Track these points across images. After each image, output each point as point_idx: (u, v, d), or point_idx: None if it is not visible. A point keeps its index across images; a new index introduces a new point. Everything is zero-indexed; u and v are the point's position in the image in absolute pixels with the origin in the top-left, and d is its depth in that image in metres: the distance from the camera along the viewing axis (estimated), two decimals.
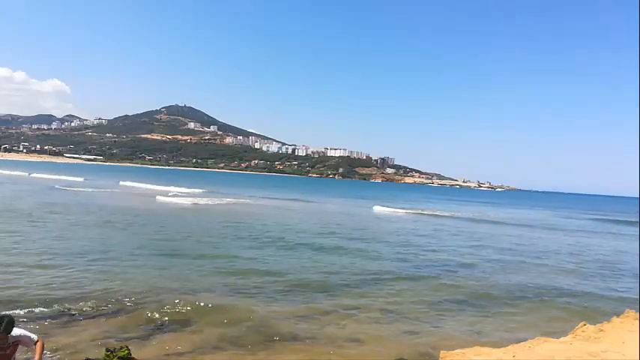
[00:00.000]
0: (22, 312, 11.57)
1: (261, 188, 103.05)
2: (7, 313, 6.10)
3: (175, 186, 75.09)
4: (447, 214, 60.19)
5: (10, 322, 5.49)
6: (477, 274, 21.08)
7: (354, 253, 24.35)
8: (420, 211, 60.61)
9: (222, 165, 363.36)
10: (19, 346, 5.71)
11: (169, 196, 55.50)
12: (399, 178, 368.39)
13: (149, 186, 75.05)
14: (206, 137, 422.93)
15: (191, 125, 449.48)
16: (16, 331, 5.62)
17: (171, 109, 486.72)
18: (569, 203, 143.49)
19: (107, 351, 8.70)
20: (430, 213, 59.46)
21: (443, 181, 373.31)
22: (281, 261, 20.84)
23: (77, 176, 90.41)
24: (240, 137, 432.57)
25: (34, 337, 5.73)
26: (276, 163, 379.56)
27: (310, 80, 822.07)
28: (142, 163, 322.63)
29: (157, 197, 51.63)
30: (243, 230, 30.09)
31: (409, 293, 16.62)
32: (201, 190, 71.75)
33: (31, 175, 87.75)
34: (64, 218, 29.69)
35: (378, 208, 61.26)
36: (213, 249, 22.65)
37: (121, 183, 79.48)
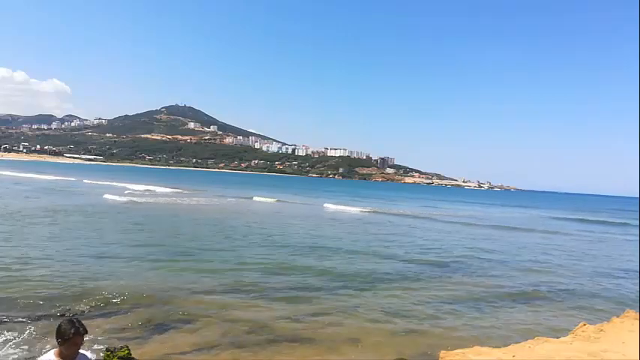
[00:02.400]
0: (22, 311, 11.57)
1: (243, 187, 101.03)
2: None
3: (146, 184, 75.68)
4: (411, 213, 58.51)
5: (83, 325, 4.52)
6: (475, 274, 21.08)
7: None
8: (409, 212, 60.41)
9: (222, 165, 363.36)
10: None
11: (124, 194, 54.16)
12: (399, 178, 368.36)
13: (113, 183, 75.56)
14: (206, 137, 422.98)
15: (191, 125, 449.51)
16: (89, 355, 4.73)
17: (171, 109, 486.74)
18: (562, 203, 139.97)
19: (107, 351, 8.71)
20: (399, 212, 58.21)
21: (443, 181, 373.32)
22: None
23: (64, 176, 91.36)
24: (240, 137, 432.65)
25: None
26: (276, 163, 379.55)
27: (310, 80, 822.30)
28: (142, 163, 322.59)
29: (105, 195, 50.07)
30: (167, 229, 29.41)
31: (408, 293, 16.61)
32: (168, 190, 70.12)
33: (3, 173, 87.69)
34: None
35: (330, 206, 60.46)
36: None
37: (85, 181, 79.38)
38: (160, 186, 74.87)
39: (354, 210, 58.09)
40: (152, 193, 63.13)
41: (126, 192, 58.50)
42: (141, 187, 69.33)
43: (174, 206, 45.80)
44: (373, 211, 57.48)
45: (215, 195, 67.30)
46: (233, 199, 61.87)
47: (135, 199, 49.65)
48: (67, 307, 12.14)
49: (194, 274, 16.88)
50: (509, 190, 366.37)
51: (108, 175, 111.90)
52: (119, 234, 25.24)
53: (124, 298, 13.32)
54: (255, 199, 65.02)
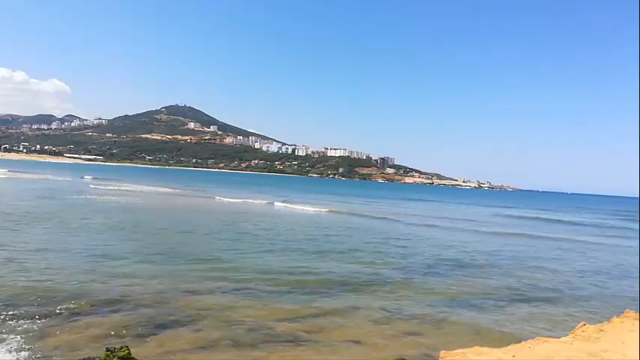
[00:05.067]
0: (22, 311, 11.57)
1: (220, 187, 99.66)
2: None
3: (115, 182, 79.19)
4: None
5: None
6: (475, 275, 21.10)
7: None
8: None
9: (222, 165, 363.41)
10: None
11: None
12: (399, 178, 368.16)
13: (77, 180, 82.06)
14: (206, 137, 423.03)
15: (191, 125, 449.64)
16: None
17: (171, 109, 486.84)
18: (551, 204, 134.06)
19: (107, 351, 8.71)
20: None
21: (443, 181, 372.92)
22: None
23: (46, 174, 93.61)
24: (240, 137, 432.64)
25: None
26: (276, 163, 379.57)
27: (310, 80, 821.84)
28: (142, 163, 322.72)
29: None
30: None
31: (409, 293, 16.63)
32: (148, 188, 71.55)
33: None
34: None
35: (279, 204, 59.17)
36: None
37: (50, 178, 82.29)
38: (131, 184, 77.51)
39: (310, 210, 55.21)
40: (101, 190, 62.81)
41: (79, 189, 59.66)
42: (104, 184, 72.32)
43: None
44: (329, 211, 54.76)
45: (180, 194, 67.66)
46: (189, 198, 60.69)
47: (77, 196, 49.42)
48: (68, 307, 12.15)
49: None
50: (508, 190, 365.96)
51: (94, 174, 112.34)
52: None
53: (124, 298, 13.33)
54: (217, 198, 62.35)
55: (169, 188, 76.96)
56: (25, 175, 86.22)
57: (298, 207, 57.07)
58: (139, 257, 19.33)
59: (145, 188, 71.28)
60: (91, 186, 68.94)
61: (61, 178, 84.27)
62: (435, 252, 26.86)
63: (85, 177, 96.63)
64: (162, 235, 26.40)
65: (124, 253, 19.84)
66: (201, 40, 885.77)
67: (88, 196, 49.88)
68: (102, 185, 72.39)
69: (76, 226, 27.13)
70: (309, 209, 55.61)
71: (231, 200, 61.14)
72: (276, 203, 60.33)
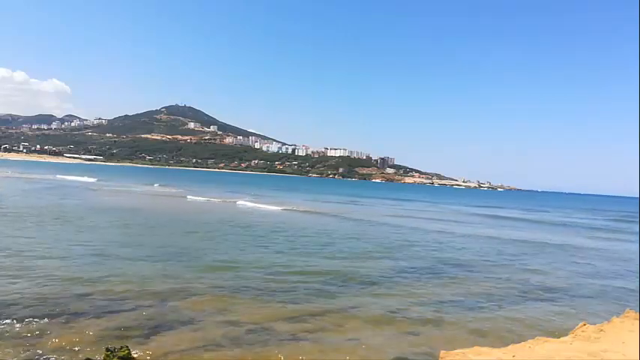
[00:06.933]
0: (22, 311, 11.57)
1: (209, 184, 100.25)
2: None
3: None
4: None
5: None
6: (474, 275, 21.10)
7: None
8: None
9: (222, 165, 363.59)
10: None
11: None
12: (399, 178, 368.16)
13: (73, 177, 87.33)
14: (206, 137, 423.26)
15: (191, 125, 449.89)
16: None
17: (171, 109, 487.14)
18: (551, 204, 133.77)
19: (107, 351, 8.71)
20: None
21: (443, 181, 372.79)
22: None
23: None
24: (240, 137, 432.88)
25: None
26: (276, 163, 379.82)
27: (310, 80, 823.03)
28: (142, 163, 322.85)
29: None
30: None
31: (409, 293, 16.62)
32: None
33: None
34: None
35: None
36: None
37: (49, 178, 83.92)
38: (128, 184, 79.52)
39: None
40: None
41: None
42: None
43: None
44: (292, 210, 52.51)
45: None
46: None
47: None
48: (68, 307, 12.15)
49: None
50: (508, 190, 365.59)
51: (92, 174, 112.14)
52: None
53: (124, 298, 13.33)
54: (189, 197, 59.88)
55: (159, 188, 77.51)
56: (17, 175, 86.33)
57: (281, 207, 54.86)
58: (137, 258, 19.32)
59: (138, 188, 71.50)
60: (91, 187, 68.93)
61: (59, 178, 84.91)
62: (430, 253, 26.86)
63: (85, 178, 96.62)
64: (156, 236, 26.40)
65: (122, 254, 19.83)
66: (201, 40, 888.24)
67: (85, 197, 49.86)
68: (98, 185, 72.54)
69: (73, 225, 27.13)
70: (295, 210, 53.40)
71: (216, 200, 60.59)
72: (254, 204, 57.57)
